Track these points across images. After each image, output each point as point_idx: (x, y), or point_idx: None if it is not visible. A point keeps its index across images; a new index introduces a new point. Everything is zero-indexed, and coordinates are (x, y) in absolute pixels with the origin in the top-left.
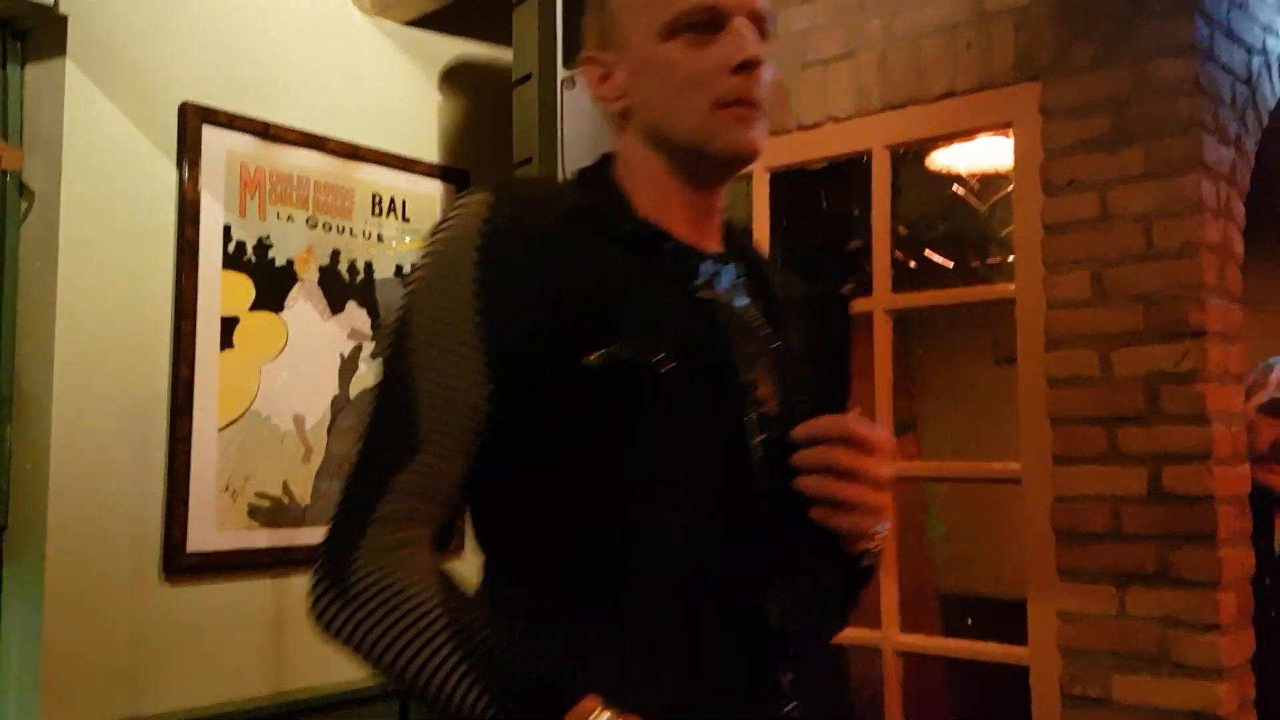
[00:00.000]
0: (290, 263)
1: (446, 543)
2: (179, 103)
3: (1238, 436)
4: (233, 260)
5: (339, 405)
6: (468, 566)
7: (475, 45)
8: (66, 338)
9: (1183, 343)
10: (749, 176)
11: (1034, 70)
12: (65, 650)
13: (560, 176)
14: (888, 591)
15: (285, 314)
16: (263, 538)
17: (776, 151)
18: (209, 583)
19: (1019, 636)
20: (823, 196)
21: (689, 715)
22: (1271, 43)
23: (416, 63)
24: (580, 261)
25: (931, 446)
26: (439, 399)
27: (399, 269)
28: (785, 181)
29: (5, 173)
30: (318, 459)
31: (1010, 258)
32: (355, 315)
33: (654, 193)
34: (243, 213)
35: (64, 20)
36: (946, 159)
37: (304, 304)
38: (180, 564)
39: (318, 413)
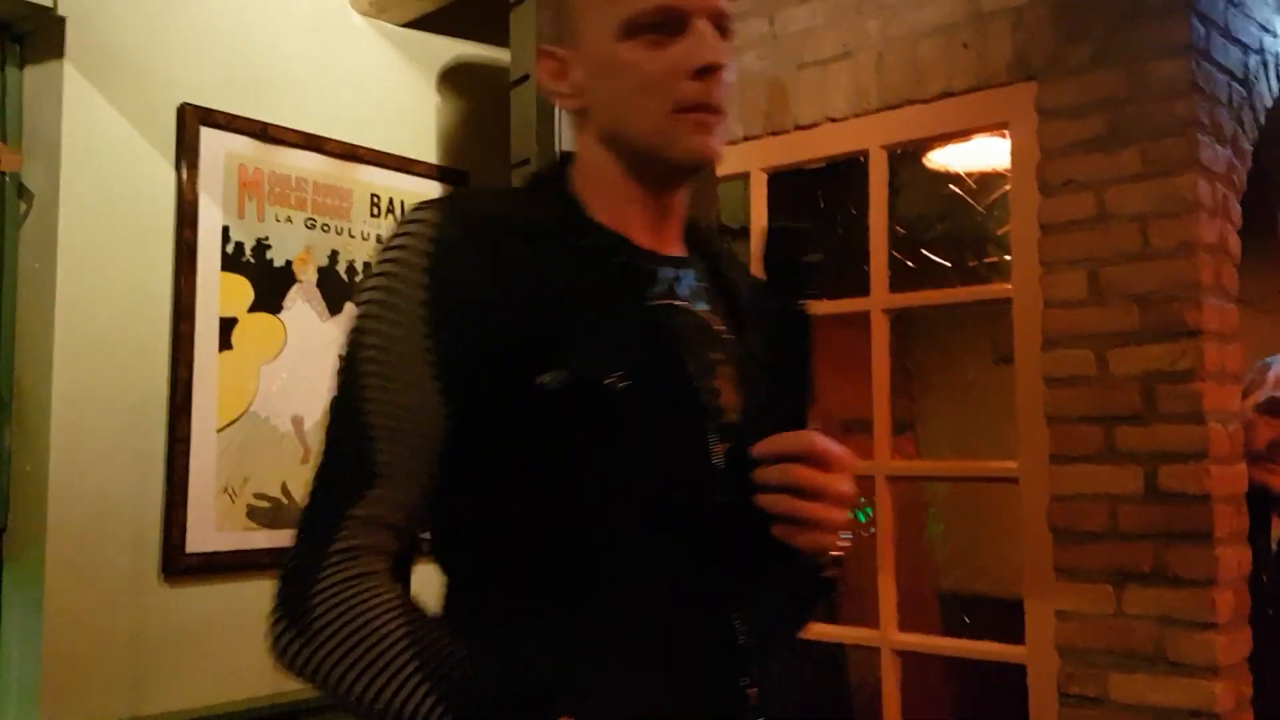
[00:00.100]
0: (289, 264)
1: (407, 569)
2: (177, 104)
3: (1234, 435)
4: (231, 261)
5: None
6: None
7: (473, 46)
8: (66, 339)
9: (1179, 342)
10: (746, 177)
11: (1031, 70)
12: (65, 651)
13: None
14: (886, 591)
15: (284, 315)
16: (261, 538)
17: (774, 151)
18: (208, 584)
19: (1018, 635)
20: (820, 197)
21: None
22: (1269, 42)
23: (414, 64)
24: (533, 278)
25: (930, 446)
26: (394, 426)
27: None
28: (783, 181)
29: (4, 174)
30: (316, 460)
31: (1007, 257)
32: None
33: (611, 196)
34: (241, 214)
35: (62, 22)
36: (944, 159)
37: (303, 305)
38: (179, 565)
39: (316, 414)
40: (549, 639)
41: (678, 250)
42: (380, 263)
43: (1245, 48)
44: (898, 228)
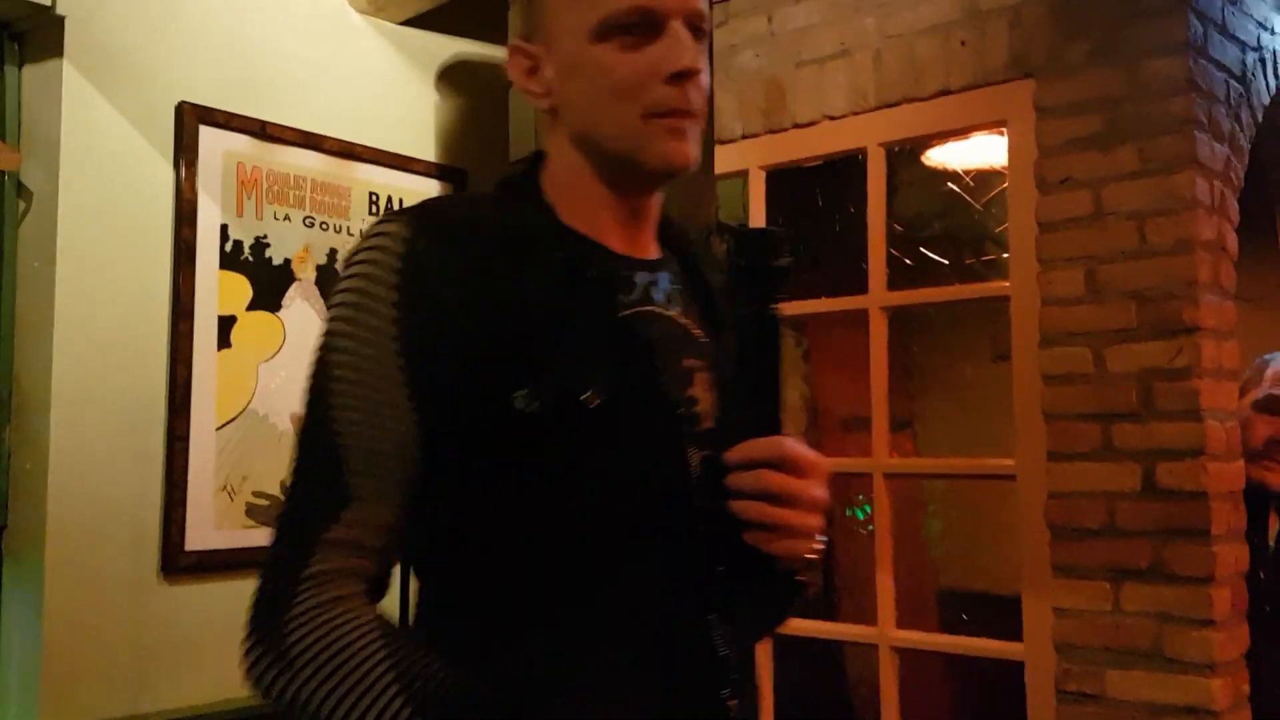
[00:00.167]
0: (287, 262)
1: (384, 589)
2: (176, 103)
3: (1232, 432)
4: (230, 260)
5: None
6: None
7: (471, 44)
8: (65, 338)
9: (1176, 339)
10: (745, 175)
11: (1028, 68)
12: (65, 649)
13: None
14: (884, 588)
15: (283, 313)
16: (260, 537)
17: (772, 150)
18: (207, 581)
19: (1016, 633)
20: (819, 195)
21: None
22: (1266, 40)
23: (413, 62)
24: (504, 294)
25: (928, 444)
26: (366, 447)
27: None
28: (781, 180)
29: (4, 173)
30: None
31: (1005, 255)
32: None
33: (583, 199)
34: (240, 212)
35: (61, 21)
36: (942, 157)
37: (301, 303)
38: (179, 563)
39: None
40: (531, 655)
41: (652, 252)
42: (347, 277)
43: (1243, 45)
44: (896, 226)
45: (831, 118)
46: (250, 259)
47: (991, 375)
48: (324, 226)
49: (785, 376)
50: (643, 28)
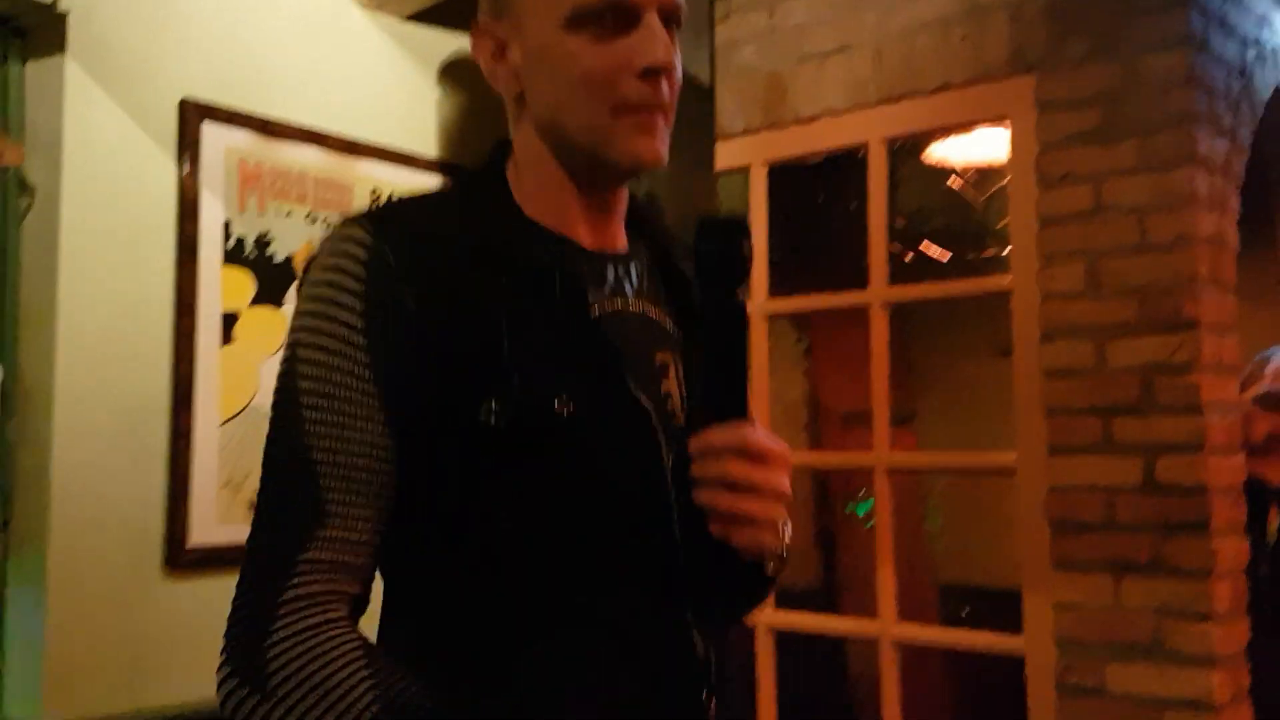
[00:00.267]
0: (290, 258)
1: (365, 605)
2: (178, 99)
3: (1232, 427)
4: (233, 256)
5: None
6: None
7: None
8: (67, 334)
9: (1177, 334)
10: (746, 170)
11: (1028, 64)
12: (68, 643)
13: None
14: (885, 583)
15: (286, 309)
16: None
17: (773, 145)
18: (210, 577)
19: (1016, 627)
20: (820, 190)
21: None
22: (1266, 34)
23: (415, 58)
24: (472, 301)
25: (930, 438)
26: (341, 461)
27: None
28: (783, 175)
29: (6, 169)
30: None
31: (1006, 250)
32: None
33: (549, 192)
34: (242, 208)
35: (63, 18)
36: (942, 152)
37: None
38: (182, 558)
39: None
40: (511, 663)
41: (622, 244)
42: (312, 285)
43: (1243, 40)
44: (897, 221)
45: (832, 113)
46: (253, 255)
47: (992, 370)
48: (327, 223)
49: (750, 363)
50: (616, 19)
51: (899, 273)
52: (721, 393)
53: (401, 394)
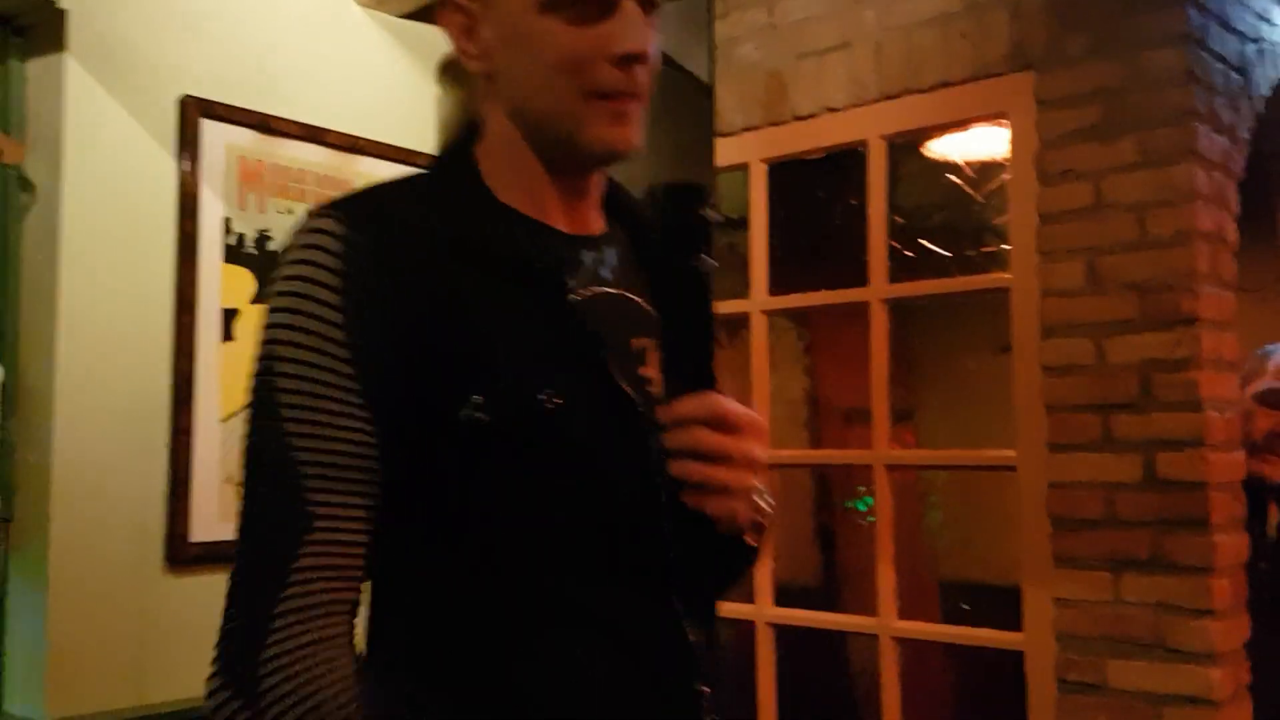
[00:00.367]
0: None
1: (357, 608)
2: (179, 96)
3: (1231, 423)
4: (233, 253)
5: None
6: None
7: None
8: (68, 331)
9: (1176, 330)
10: (745, 168)
11: (1028, 60)
12: (70, 640)
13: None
14: (885, 579)
15: None
16: None
17: (773, 142)
18: (212, 573)
19: (1016, 623)
20: (820, 187)
21: None
22: (1266, 31)
23: (414, 55)
24: (450, 293)
25: (930, 435)
26: (326, 462)
27: None
28: (782, 172)
29: (7, 167)
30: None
31: (1005, 247)
32: None
33: (522, 176)
34: (242, 206)
35: (64, 15)
36: (942, 149)
37: None
38: (183, 554)
39: None
40: (506, 659)
41: (598, 226)
42: (285, 279)
43: (1242, 37)
44: (897, 218)
45: (832, 110)
46: (253, 252)
47: (992, 367)
48: None
49: (717, 331)
50: (593, 2)
51: (899, 269)
52: (688, 362)
53: (383, 390)
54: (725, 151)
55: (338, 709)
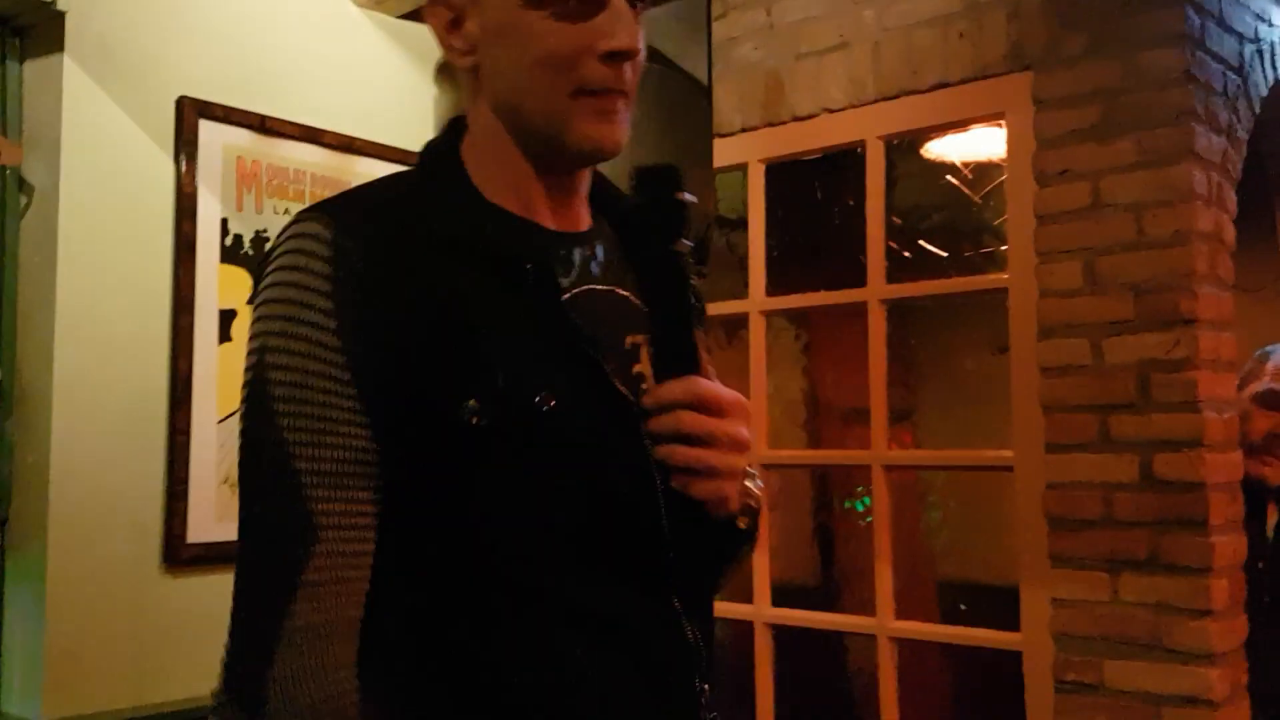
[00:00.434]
0: None
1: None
2: (176, 97)
3: (1230, 423)
4: (230, 254)
5: None
6: None
7: None
8: (66, 331)
9: (1174, 331)
10: (744, 168)
11: (1026, 60)
12: (67, 640)
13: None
14: (883, 579)
15: None
16: None
17: (771, 143)
18: (209, 573)
19: (1014, 623)
20: (818, 188)
21: None
22: (1264, 31)
23: (412, 56)
24: (443, 293)
25: (928, 435)
26: (327, 470)
27: None
28: (780, 173)
29: (5, 168)
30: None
31: (1004, 247)
32: None
33: (509, 175)
34: (240, 206)
35: (62, 16)
36: (940, 149)
37: None
38: (181, 555)
39: None
40: (507, 661)
41: (586, 222)
42: (273, 285)
43: (1240, 37)
44: (895, 218)
45: (830, 110)
46: (250, 253)
47: (990, 367)
48: None
49: (696, 315)
50: None
51: (897, 270)
52: (669, 346)
53: (379, 393)
54: (724, 152)
55: None
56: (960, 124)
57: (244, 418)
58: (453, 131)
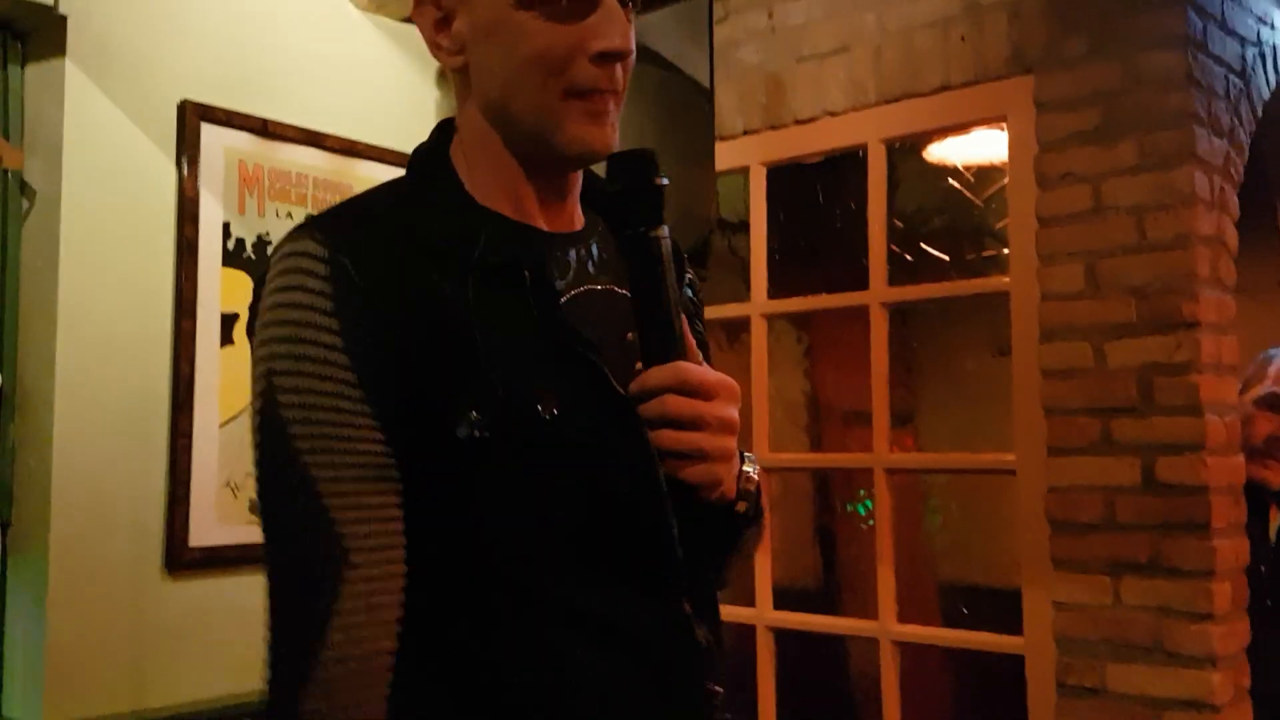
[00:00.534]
0: None
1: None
2: (178, 101)
3: (1231, 427)
4: (232, 257)
5: None
6: None
7: None
8: (68, 335)
9: (1176, 334)
10: (745, 171)
11: (1027, 63)
12: (69, 644)
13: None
14: (885, 582)
15: None
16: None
17: (773, 146)
18: (211, 577)
19: (1016, 626)
20: (819, 191)
21: None
22: (1266, 34)
23: (413, 59)
24: (441, 303)
25: (930, 438)
26: (349, 490)
27: None
28: (782, 176)
29: (7, 172)
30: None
31: (1005, 251)
32: None
33: (500, 177)
34: (242, 210)
35: (63, 20)
36: (941, 153)
37: None
38: (182, 558)
39: None
40: (517, 672)
41: (579, 221)
42: (275, 307)
43: (1242, 40)
44: (896, 221)
45: (832, 114)
46: (253, 256)
47: (992, 370)
48: None
49: (676, 300)
50: None
51: (898, 273)
52: (652, 333)
53: (388, 401)
54: (725, 155)
55: None
56: (961, 127)
57: (258, 446)
58: (441, 135)
